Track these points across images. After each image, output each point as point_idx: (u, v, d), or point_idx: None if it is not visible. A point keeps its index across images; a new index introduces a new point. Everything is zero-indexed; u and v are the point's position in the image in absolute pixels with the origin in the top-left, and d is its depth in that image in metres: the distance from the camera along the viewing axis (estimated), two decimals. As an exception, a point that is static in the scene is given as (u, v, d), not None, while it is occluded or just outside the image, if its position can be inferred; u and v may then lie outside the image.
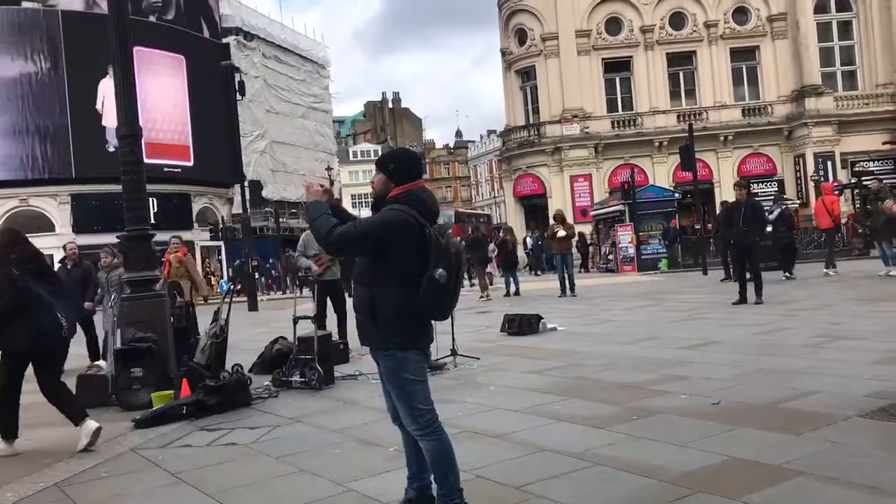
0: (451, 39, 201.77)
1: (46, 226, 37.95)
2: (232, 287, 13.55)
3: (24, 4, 37.60)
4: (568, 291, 17.65)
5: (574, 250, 20.43)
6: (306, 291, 20.19)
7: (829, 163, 38.41)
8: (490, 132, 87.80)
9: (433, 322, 3.74)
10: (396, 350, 3.60)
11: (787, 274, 17.95)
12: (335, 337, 9.39)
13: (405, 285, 3.50)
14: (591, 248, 33.72)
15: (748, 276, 13.38)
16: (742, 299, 12.71)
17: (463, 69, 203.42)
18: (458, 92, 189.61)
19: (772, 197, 28.55)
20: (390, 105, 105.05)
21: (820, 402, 5.61)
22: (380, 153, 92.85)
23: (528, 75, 41.81)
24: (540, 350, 9.40)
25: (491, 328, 11.94)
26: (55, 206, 38.12)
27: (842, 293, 14.02)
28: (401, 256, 3.50)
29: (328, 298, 10.00)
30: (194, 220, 42.44)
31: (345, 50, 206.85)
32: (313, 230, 3.64)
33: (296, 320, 8.46)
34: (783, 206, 18.53)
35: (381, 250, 3.52)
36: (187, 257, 11.90)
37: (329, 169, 52.06)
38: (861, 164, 38.14)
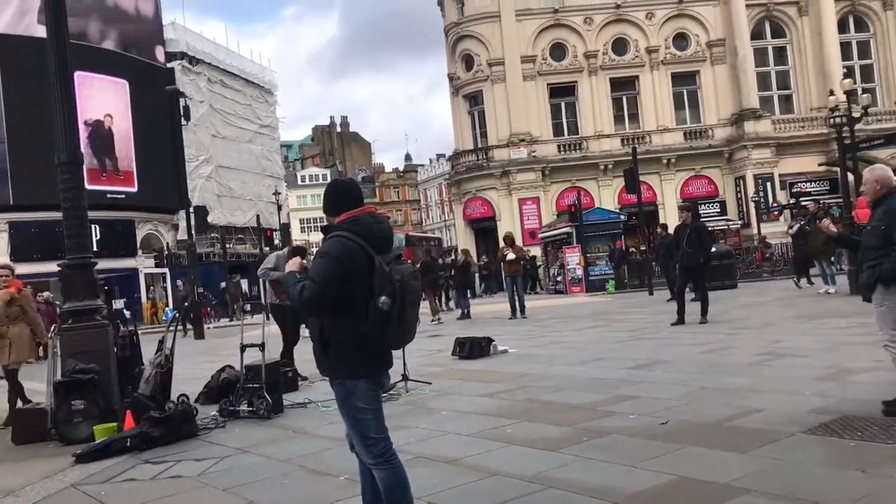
0: (404, 64, 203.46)
1: (-17, 254, 36.81)
2: (177, 315, 13.27)
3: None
4: (518, 313, 17.75)
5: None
6: (255, 318, 19.92)
7: (769, 184, 39.51)
8: (439, 156, 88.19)
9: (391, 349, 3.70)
10: (346, 378, 3.56)
11: (801, 282, 19.50)
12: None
13: (354, 314, 3.46)
14: (539, 270, 34.01)
15: (694, 296, 13.65)
16: (680, 320, 12.90)
17: (416, 94, 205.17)
18: (411, 116, 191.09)
19: (802, 211, 28.92)
20: (338, 129, 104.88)
21: (765, 419, 5.71)
22: (328, 177, 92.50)
23: (475, 100, 42.22)
24: (491, 373, 9.41)
25: (442, 352, 11.92)
26: (-8, 234, 37.03)
27: (782, 311, 14.37)
28: (348, 286, 3.46)
29: (287, 322, 9.99)
30: (138, 246, 41.59)
31: (299, 74, 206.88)
32: (291, 300, 3.59)
33: (243, 348, 8.32)
34: (801, 223, 19.29)
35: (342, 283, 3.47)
36: (23, 293, 9.02)
37: (277, 193, 51.62)
38: (799, 185, 39.37)
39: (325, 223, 3.73)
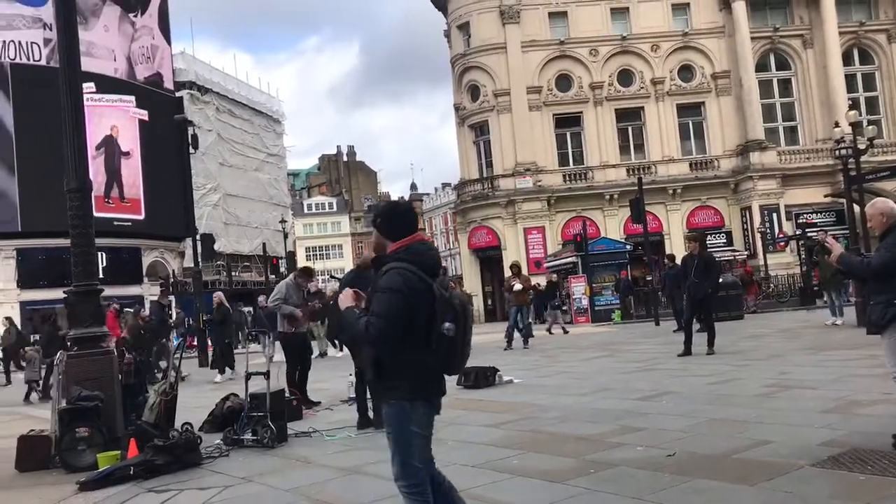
0: (420, 95, 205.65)
1: (-11, 281, 36.99)
2: (183, 342, 13.25)
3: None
4: (520, 343, 17.63)
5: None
6: (255, 346, 19.92)
7: (775, 215, 39.49)
8: (444, 185, 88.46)
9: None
10: (404, 399, 3.53)
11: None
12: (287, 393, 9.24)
13: (413, 340, 3.46)
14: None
15: (700, 327, 13.59)
16: (687, 351, 12.81)
17: (430, 124, 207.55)
18: (422, 146, 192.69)
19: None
20: (345, 158, 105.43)
21: (773, 451, 5.66)
22: (334, 206, 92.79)
23: (481, 130, 42.44)
24: (497, 403, 9.36)
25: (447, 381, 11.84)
26: (-1, 260, 37.20)
27: (789, 343, 14.29)
28: (410, 315, 3.45)
29: (296, 351, 10.05)
30: (144, 274, 41.72)
31: (319, 104, 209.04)
32: (355, 339, 3.67)
33: (248, 376, 8.30)
34: None
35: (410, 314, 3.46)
36: None
37: (283, 222, 51.80)
38: (805, 216, 39.33)
39: (375, 247, 3.72)
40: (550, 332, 22.76)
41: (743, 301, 24.69)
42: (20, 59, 37.54)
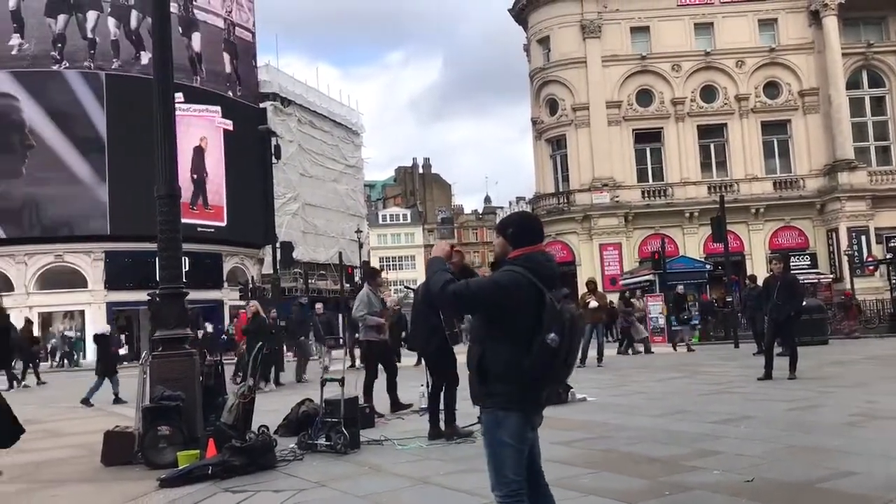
0: (501, 109, 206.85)
1: (80, 281, 38.57)
2: (261, 344, 13.50)
3: (66, 69, 38.79)
4: (595, 361, 17.40)
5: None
6: (335, 353, 20.18)
7: (864, 237, 38.06)
8: (519, 199, 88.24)
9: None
10: (498, 409, 3.56)
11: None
12: (362, 401, 9.37)
13: (516, 346, 3.48)
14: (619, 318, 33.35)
15: (780, 351, 13.17)
16: (767, 375, 12.42)
17: (510, 138, 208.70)
18: (500, 160, 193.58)
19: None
20: (420, 170, 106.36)
21: (858, 483, 5.44)
22: (408, 217, 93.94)
23: (558, 144, 42.23)
24: (568, 420, 9.25)
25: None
26: (89, 262, 38.77)
27: (878, 371, 13.72)
28: (512, 318, 3.50)
29: (378, 358, 10.47)
30: (224, 279, 42.88)
31: (401, 115, 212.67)
32: (430, 285, 3.67)
33: (323, 382, 8.44)
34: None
35: (493, 310, 3.55)
36: None
37: (359, 232, 52.55)
38: (896, 239, 37.71)
39: (498, 253, 3.79)
40: (675, 349, 22.32)
41: (843, 325, 23.86)
42: (115, 69, 39.23)
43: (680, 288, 24.64)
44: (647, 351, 21.67)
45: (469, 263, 3.92)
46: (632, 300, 23.93)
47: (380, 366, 10.69)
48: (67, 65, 38.82)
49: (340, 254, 48.89)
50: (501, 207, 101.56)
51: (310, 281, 48.09)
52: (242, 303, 41.59)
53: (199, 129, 40.88)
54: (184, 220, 9.01)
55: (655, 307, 27.76)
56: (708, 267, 31.33)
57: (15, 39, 38.38)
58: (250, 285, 41.38)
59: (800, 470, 5.93)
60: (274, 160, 27.08)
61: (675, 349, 22.32)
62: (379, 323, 10.37)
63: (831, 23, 39.25)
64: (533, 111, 43.74)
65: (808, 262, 38.85)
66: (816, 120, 40.26)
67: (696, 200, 39.32)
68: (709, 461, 6.41)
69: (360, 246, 51.83)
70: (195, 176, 41.18)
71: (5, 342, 6.31)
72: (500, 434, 3.55)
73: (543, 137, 42.67)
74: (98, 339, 16.35)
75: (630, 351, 21.79)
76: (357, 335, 20.35)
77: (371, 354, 10.67)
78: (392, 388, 10.55)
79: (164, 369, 8.06)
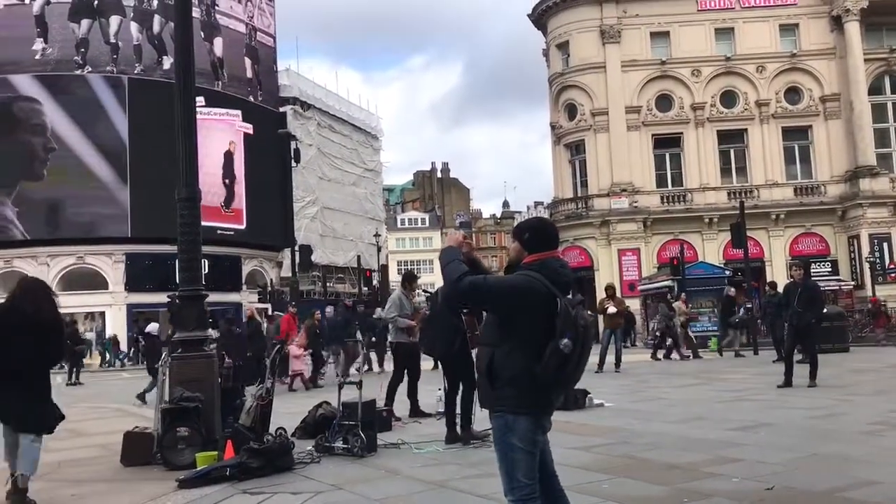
0: (520, 114, 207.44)
1: (101, 283, 38.91)
2: (278, 346, 13.59)
3: (89, 73, 39.20)
4: (613, 367, 17.31)
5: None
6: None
7: (886, 244, 37.66)
8: (537, 203, 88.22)
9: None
10: (508, 412, 3.56)
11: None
12: (380, 403, 9.38)
13: (527, 351, 3.49)
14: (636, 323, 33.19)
15: (801, 358, 13.06)
16: (788, 382, 12.30)
17: (529, 142, 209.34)
18: (519, 164, 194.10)
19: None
20: (439, 175, 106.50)
21: (881, 493, 5.38)
22: (426, 221, 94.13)
23: (577, 149, 42.12)
24: (587, 426, 9.21)
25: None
26: (110, 264, 39.11)
27: (900, 379, 13.55)
28: (525, 322, 3.51)
29: (406, 359, 10.54)
30: (243, 282, 43.10)
31: (421, 120, 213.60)
32: (444, 273, 3.67)
33: (341, 385, 8.46)
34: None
35: (505, 311, 3.57)
36: None
37: (377, 235, 52.67)
38: (919, 247, 37.34)
39: (513, 257, 3.79)
40: (721, 354, 21.84)
41: (876, 332, 23.49)
42: (138, 73, 39.59)
43: (731, 291, 24.15)
44: (696, 356, 21.09)
45: (477, 258, 3.92)
46: (674, 304, 22.97)
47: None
48: (90, 69, 39.20)
49: (359, 257, 49.08)
50: (519, 212, 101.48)
51: (328, 284, 48.28)
52: (263, 305, 41.99)
53: (223, 133, 41.17)
54: (203, 223, 9.06)
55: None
56: (727, 273, 31.07)
57: (38, 44, 38.78)
58: (269, 288, 41.68)
59: (821, 478, 5.88)
60: (293, 164, 27.25)
61: (720, 354, 21.56)
62: (410, 325, 10.46)
63: (853, 28, 38.90)
64: (552, 116, 43.66)
65: (829, 269, 38.51)
66: (838, 126, 39.92)
67: (715, 206, 39.09)
68: (728, 468, 6.37)
69: (379, 249, 52.00)
70: (227, 181, 41.52)
71: (60, 341, 6.63)
72: (511, 438, 3.55)
73: (562, 142, 42.58)
74: (148, 337, 16.38)
75: (674, 355, 20.94)
76: (372, 338, 20.55)
77: (399, 356, 10.81)
78: (413, 392, 10.56)
79: (183, 371, 8.11)
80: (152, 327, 17.74)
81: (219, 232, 38.49)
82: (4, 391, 5.91)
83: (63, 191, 37.68)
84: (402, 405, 10.44)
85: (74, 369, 23.05)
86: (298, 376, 16.61)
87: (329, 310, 19.58)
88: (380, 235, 53.79)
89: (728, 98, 40.63)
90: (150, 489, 6.55)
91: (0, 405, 5.95)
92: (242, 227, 42.18)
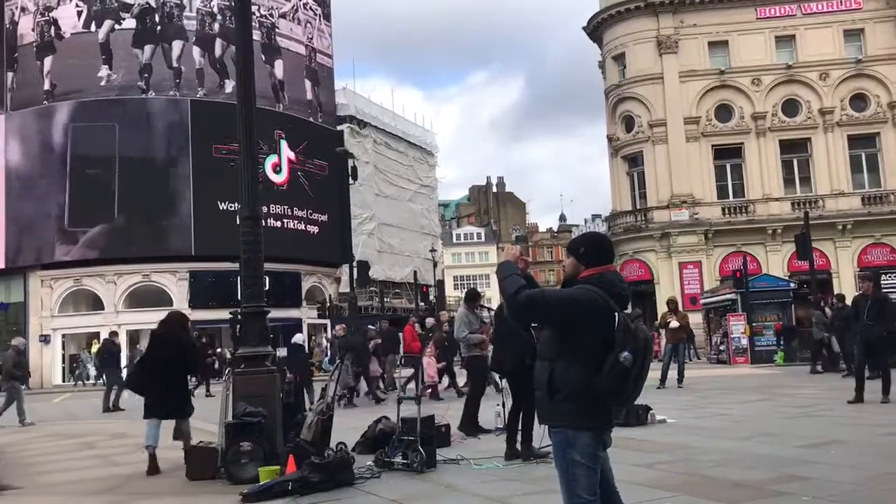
0: (581, 128, 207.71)
1: (165, 300, 39.85)
2: (339, 362, 13.70)
3: (153, 95, 40.38)
4: (677, 383, 17.00)
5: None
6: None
7: (960, 254, 36.26)
8: (594, 216, 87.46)
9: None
10: (568, 428, 3.56)
11: None
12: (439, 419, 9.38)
13: (586, 364, 3.49)
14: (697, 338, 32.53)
15: (870, 374, 12.64)
16: (858, 398, 11.90)
17: (590, 156, 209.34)
18: (578, 179, 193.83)
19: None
20: (494, 189, 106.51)
21: (960, 513, 5.17)
22: (482, 236, 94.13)
23: (634, 161, 41.65)
24: (649, 442, 9.07)
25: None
26: (174, 281, 40.04)
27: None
28: (585, 335, 3.51)
29: (481, 372, 11.03)
30: (303, 298, 43.69)
31: (480, 137, 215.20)
32: (502, 287, 3.68)
33: (400, 400, 8.49)
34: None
35: (564, 325, 3.56)
36: None
37: (433, 251, 52.86)
38: None
39: (568, 271, 3.80)
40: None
41: None
42: (200, 97, 40.64)
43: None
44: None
45: (530, 274, 3.94)
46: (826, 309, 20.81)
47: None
48: (153, 94, 40.38)
49: (415, 272, 49.32)
50: (577, 225, 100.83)
51: (385, 299, 48.59)
52: (323, 321, 42.42)
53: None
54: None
55: (738, 327, 27.04)
56: (792, 285, 30.28)
57: (104, 70, 40.15)
58: (328, 304, 42.15)
59: (894, 498, 5.67)
60: (351, 181, 27.58)
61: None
62: (482, 339, 10.82)
63: (922, 31, 37.78)
64: (609, 128, 43.30)
65: (900, 281, 37.21)
66: (907, 132, 38.67)
67: (778, 217, 38.17)
68: (796, 486, 6.19)
69: (435, 265, 52.13)
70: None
71: (194, 355, 9.08)
72: (572, 453, 3.52)
73: (619, 154, 42.17)
74: (293, 348, 16.49)
75: (837, 370, 18.68)
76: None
77: (475, 369, 11.15)
78: (475, 406, 10.61)
79: (246, 386, 8.25)
80: (298, 338, 17.64)
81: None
82: (167, 391, 8.46)
83: (129, 210, 38.74)
84: (454, 422, 10.42)
85: (203, 382, 23.09)
86: (431, 388, 16.18)
87: (338, 328, 19.39)
88: (435, 251, 53.94)
89: (790, 107, 39.71)
90: (214, 503, 6.67)
91: (163, 403, 8.45)
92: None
